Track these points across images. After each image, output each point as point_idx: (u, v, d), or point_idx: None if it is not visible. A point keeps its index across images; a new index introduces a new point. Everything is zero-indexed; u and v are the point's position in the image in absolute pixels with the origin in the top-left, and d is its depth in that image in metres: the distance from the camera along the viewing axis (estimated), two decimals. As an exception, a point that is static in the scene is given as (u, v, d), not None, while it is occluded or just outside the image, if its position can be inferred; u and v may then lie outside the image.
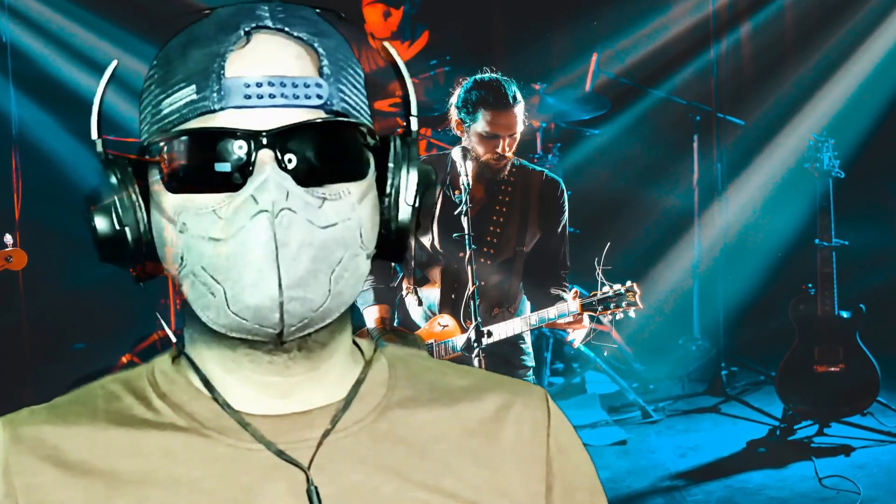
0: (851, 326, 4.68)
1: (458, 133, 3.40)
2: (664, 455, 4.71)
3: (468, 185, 3.21)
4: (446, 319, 3.42)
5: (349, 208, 0.89)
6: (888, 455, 4.56)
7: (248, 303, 0.86)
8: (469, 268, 3.16)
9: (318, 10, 0.94)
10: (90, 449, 0.91)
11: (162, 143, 0.88)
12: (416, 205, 0.96)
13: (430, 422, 0.98)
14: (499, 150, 3.33)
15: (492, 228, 3.48)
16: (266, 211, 0.84)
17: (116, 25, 5.40)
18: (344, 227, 0.89)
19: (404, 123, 0.98)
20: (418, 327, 3.48)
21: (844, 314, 4.69)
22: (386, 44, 0.99)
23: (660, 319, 5.87)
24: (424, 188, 0.97)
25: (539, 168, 3.57)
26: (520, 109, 3.33)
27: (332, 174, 0.89)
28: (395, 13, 5.81)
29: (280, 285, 0.85)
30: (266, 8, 0.90)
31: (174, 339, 1.01)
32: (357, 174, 0.91)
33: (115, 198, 0.91)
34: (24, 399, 4.73)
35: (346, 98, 0.91)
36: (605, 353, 5.55)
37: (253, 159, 0.86)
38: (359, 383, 0.97)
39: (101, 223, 0.91)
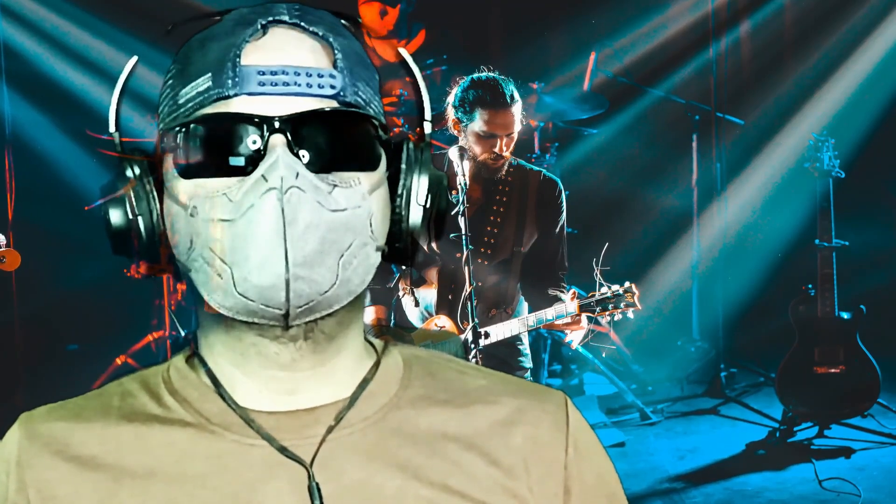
0: (852, 327, 4.65)
1: (455, 132, 3.38)
2: (663, 457, 4.68)
3: (465, 184, 3.18)
4: (443, 320, 3.39)
5: (359, 196, 0.90)
6: (889, 457, 4.54)
7: (254, 283, 0.87)
8: (466, 268, 3.14)
9: (343, 23, 0.96)
10: (100, 444, 0.94)
11: (176, 130, 0.90)
12: (428, 206, 0.98)
13: (442, 421, 0.98)
14: (496, 149, 3.31)
15: (489, 229, 3.45)
16: (275, 188, 0.86)
17: (111, 24, 5.38)
18: (353, 214, 0.90)
19: (418, 128, 1.01)
20: (415, 329, 3.44)
21: (845, 315, 4.67)
22: (402, 50, 1.01)
23: (658, 320, 5.84)
24: (436, 192, 0.99)
25: (537, 168, 3.55)
26: (517, 109, 3.31)
27: (343, 162, 0.90)
28: (391, 11, 5.77)
29: (287, 262, 0.86)
30: (284, 6, 0.93)
31: (177, 340, 1.01)
32: (367, 165, 0.93)
33: (130, 189, 0.93)
34: (16, 400, 4.74)
35: (360, 93, 0.93)
36: (604, 355, 5.52)
37: (265, 144, 0.87)
38: (366, 381, 0.98)
39: (115, 215, 0.93)
